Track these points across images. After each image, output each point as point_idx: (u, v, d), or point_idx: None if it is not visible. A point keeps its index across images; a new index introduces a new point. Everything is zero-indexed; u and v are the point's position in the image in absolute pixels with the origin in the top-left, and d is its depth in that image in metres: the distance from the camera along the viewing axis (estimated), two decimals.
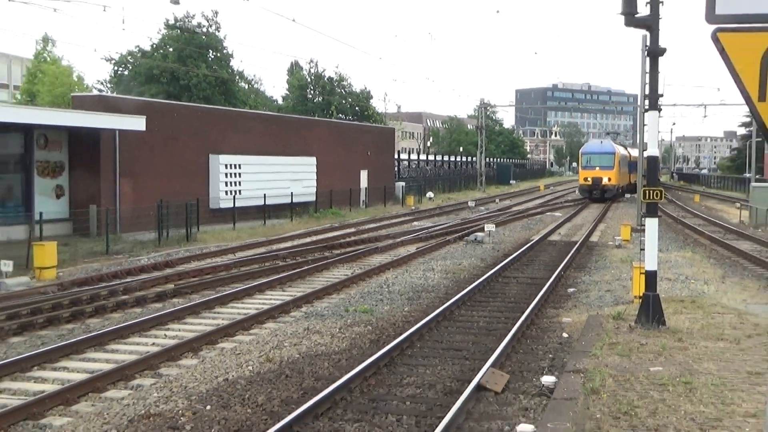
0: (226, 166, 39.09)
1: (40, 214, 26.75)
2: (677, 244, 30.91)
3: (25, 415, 9.80)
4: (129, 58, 59.83)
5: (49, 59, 71.54)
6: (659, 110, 14.87)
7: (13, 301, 17.23)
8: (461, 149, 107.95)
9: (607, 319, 14.43)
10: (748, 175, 75.92)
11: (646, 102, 15.06)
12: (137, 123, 32.38)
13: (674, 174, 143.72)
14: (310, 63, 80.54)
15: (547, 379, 10.79)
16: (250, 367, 12.10)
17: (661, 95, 15.22)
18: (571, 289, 19.64)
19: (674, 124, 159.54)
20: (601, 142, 67.15)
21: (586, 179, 61.65)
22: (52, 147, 31.57)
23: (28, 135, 30.56)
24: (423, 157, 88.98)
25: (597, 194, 59.51)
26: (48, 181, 31.41)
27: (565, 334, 14.41)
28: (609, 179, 59.99)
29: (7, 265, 20.04)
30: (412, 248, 28.53)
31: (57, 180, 31.83)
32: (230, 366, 12.19)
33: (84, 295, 17.80)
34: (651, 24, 13.87)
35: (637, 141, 46.25)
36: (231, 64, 62.49)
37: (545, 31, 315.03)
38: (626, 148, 74.52)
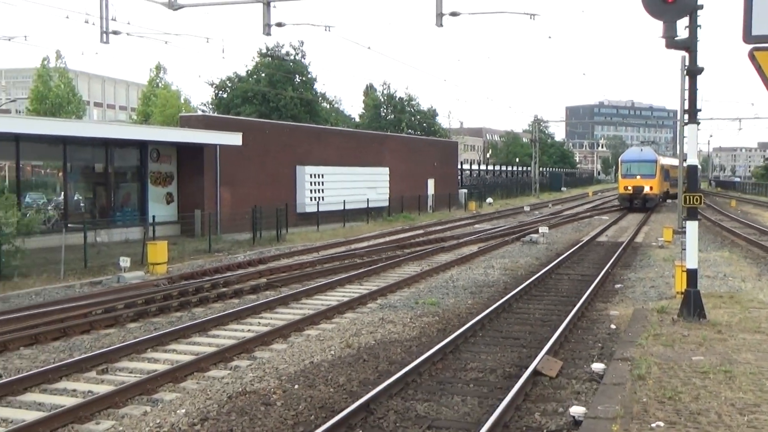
0: (310, 175, 39.48)
1: (153, 217, 27.42)
2: (716, 244, 30.04)
3: (140, 391, 10.01)
4: (228, 82, 60.83)
5: (161, 85, 73.58)
6: (698, 123, 14.44)
7: (131, 292, 17.66)
8: (517, 160, 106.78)
9: (652, 313, 14.08)
10: None
11: (686, 116, 14.65)
12: (235, 139, 32.94)
13: (711, 181, 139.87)
14: (383, 85, 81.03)
15: (597, 366, 10.59)
16: (332, 352, 12.16)
17: (699, 110, 14.78)
18: (618, 285, 19.24)
19: (711, 136, 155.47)
20: (642, 149, 57.42)
21: (626, 188, 53.22)
22: (163, 160, 32.32)
23: (143, 150, 31.36)
24: (483, 167, 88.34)
25: (638, 203, 51.70)
26: (159, 189, 32.14)
27: (613, 326, 14.12)
28: (651, 188, 52.24)
29: (126, 261, 20.55)
30: (474, 248, 28.34)
31: (167, 188, 32.56)
32: (315, 350, 12.26)
33: (190, 287, 18.16)
34: (689, 46, 13.51)
35: (677, 152, 45.51)
36: (314, 86, 63.00)
37: (592, 54, 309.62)
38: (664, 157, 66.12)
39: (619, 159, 56.94)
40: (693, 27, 13.55)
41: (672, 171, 59.17)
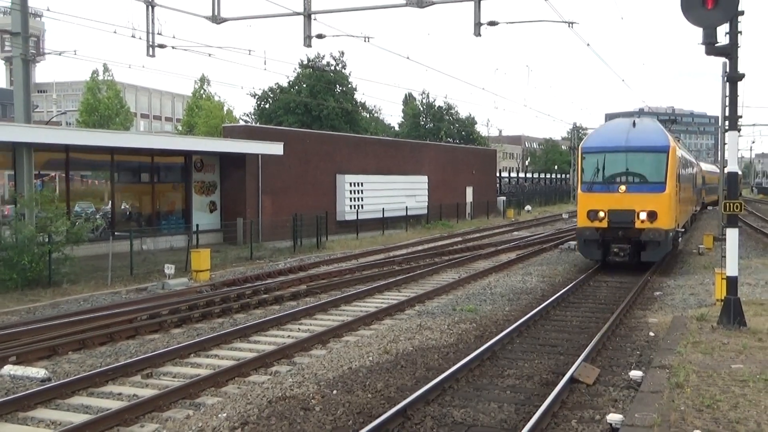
0: (350, 184, 39.63)
1: (197, 225, 27.79)
2: (757, 251, 29.36)
3: (183, 395, 10.12)
4: (269, 93, 61.41)
5: (204, 96, 74.59)
6: (738, 130, 14.20)
7: (175, 298, 17.89)
8: (556, 167, 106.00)
9: (691, 320, 13.85)
10: None
11: (727, 123, 14.40)
12: (276, 148, 33.21)
13: (753, 188, 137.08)
14: (422, 94, 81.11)
15: (635, 374, 10.44)
16: (371, 358, 12.16)
17: (740, 116, 14.54)
18: (657, 293, 18.94)
19: (753, 142, 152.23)
20: (634, 123, 23.13)
21: (594, 214, 21.95)
22: (207, 169, 32.71)
23: (188, 160, 31.78)
24: (522, 174, 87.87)
25: (623, 254, 21.64)
26: (203, 198, 32.53)
27: (651, 333, 13.91)
28: (654, 214, 21.34)
29: (170, 268, 20.81)
30: (512, 255, 28.15)
31: (210, 197, 32.94)
32: (353, 356, 12.28)
33: (232, 293, 18.33)
34: (730, 52, 13.29)
35: (718, 158, 44.10)
36: (355, 96, 63.26)
37: (632, 60, 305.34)
38: (688, 151, 38.92)
39: (580, 147, 23.99)
40: (734, 33, 13.32)
41: (708, 176, 52.97)
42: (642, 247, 21.19)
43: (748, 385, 9.22)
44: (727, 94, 14.12)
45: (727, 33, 13.25)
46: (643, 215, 20.90)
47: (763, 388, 9.07)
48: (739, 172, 14.49)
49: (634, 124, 22.52)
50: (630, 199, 21.16)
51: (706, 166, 57.03)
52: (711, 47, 12.97)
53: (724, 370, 9.96)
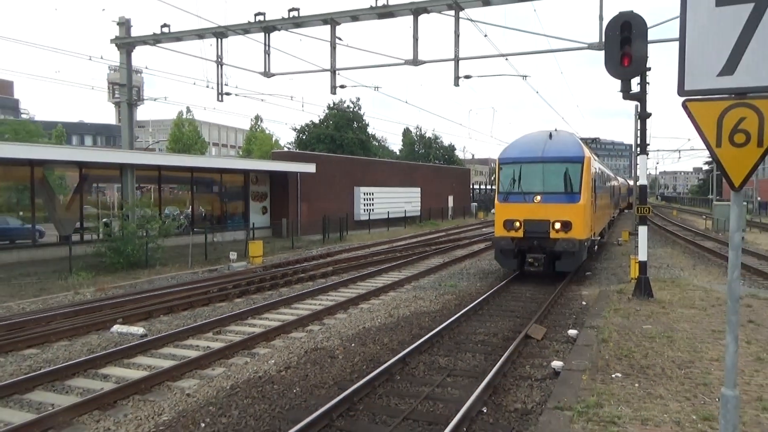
0: (364, 194, 39.57)
1: (253, 224, 27.82)
2: (661, 243, 29.25)
3: (243, 347, 10.13)
4: (306, 128, 61.46)
5: (258, 130, 74.68)
6: (647, 154, 14.11)
7: (237, 276, 17.90)
8: None
9: (613, 293, 13.79)
10: (710, 196, 71.15)
11: (638, 149, 14.33)
12: (310, 168, 33.23)
13: (658, 196, 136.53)
14: (416, 128, 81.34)
15: (572, 332, 10.41)
16: (379, 320, 12.15)
17: (648, 144, 14.44)
18: (588, 273, 18.85)
19: (657, 163, 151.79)
20: (551, 135, 17.18)
21: (511, 224, 16.30)
22: (260, 183, 32.76)
23: (246, 176, 31.83)
24: (489, 186, 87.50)
25: (538, 264, 16.24)
26: (257, 204, 32.58)
27: (583, 303, 13.85)
28: (570, 224, 15.77)
29: (234, 255, 20.86)
30: (482, 245, 28.05)
31: (263, 203, 32.99)
32: (366, 319, 12.28)
33: (278, 273, 18.33)
34: (641, 97, 13.25)
35: (633, 175, 43.94)
36: (367, 130, 63.23)
37: (569, 103, 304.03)
38: (599, 159, 25.28)
39: (498, 158, 17.39)
40: (643, 84, 13.30)
41: (624, 188, 50.53)
42: (557, 257, 15.95)
43: (655, 340, 9.18)
44: (639, 128, 14.07)
45: (638, 83, 13.20)
46: (557, 225, 15.68)
47: (666, 342, 9.03)
48: (647, 185, 14.38)
49: (551, 135, 17.04)
50: (545, 210, 15.86)
51: (622, 180, 56.76)
52: (627, 94, 12.86)
53: (637, 329, 9.93)
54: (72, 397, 7.83)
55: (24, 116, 69.20)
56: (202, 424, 6.80)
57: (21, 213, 22.65)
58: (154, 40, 21.70)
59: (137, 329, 11.28)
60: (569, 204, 15.81)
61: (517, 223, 16.09)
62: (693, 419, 6.01)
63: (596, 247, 18.75)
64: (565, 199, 15.94)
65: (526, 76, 21.27)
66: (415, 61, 19.00)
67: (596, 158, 19.16)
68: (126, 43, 22.37)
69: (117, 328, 11.42)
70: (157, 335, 10.74)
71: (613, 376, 7.44)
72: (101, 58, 26.48)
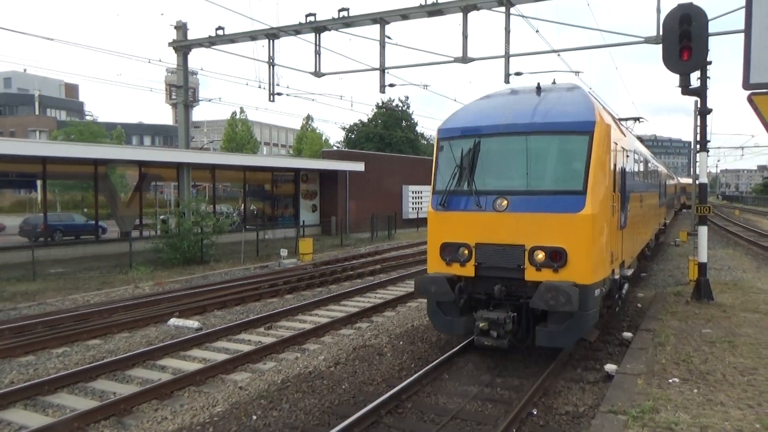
0: (412, 192, 39.53)
1: (303, 221, 28.21)
2: (722, 244, 27.98)
3: (293, 342, 10.27)
4: (355, 127, 61.83)
5: (309, 129, 75.63)
6: (707, 152, 13.53)
7: (287, 273, 18.14)
8: None
9: (670, 296, 13.28)
10: None
11: (698, 146, 13.74)
12: (359, 166, 33.43)
13: (719, 195, 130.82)
14: None
15: (626, 335, 10.09)
16: (427, 319, 11.98)
17: (709, 141, 13.83)
18: (644, 274, 18.21)
19: (718, 160, 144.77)
20: (539, 89, 8.81)
21: (449, 253, 8.18)
22: (310, 181, 33.18)
23: (297, 174, 32.30)
24: None
25: (493, 328, 7.54)
26: (308, 202, 33.01)
27: (639, 305, 13.40)
28: (559, 255, 7.32)
29: (284, 252, 21.18)
30: None
31: (313, 201, 33.41)
32: (415, 317, 12.22)
33: (327, 270, 18.49)
34: (701, 93, 12.68)
35: (691, 173, 42.17)
36: (416, 128, 63.12)
37: (624, 100, 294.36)
38: (630, 132, 13.77)
39: (437, 131, 8.75)
40: (703, 78, 12.71)
41: (687, 186, 48.94)
42: (540, 318, 8.00)
43: (715, 345, 8.80)
44: (698, 124, 13.50)
45: (698, 78, 12.66)
46: (539, 255, 7.73)
47: (726, 347, 8.64)
48: (708, 183, 13.81)
49: (539, 90, 9.16)
50: (516, 225, 7.90)
51: (683, 180, 54.03)
52: (686, 89, 12.40)
53: (696, 333, 9.53)
54: (132, 387, 8.15)
55: (88, 118, 72.49)
56: (254, 417, 6.95)
57: (85, 210, 23.74)
58: (209, 42, 22.29)
59: (192, 323, 11.58)
60: (563, 214, 7.72)
61: (465, 251, 8.28)
62: (756, 428, 5.72)
63: (625, 289, 10.89)
64: (555, 204, 7.81)
65: (578, 72, 20.74)
66: (465, 59, 18.81)
67: (627, 132, 11.66)
68: (183, 45, 23.07)
69: (173, 321, 11.77)
70: (211, 329, 10.97)
71: (671, 381, 7.17)
72: (159, 60, 27.36)
